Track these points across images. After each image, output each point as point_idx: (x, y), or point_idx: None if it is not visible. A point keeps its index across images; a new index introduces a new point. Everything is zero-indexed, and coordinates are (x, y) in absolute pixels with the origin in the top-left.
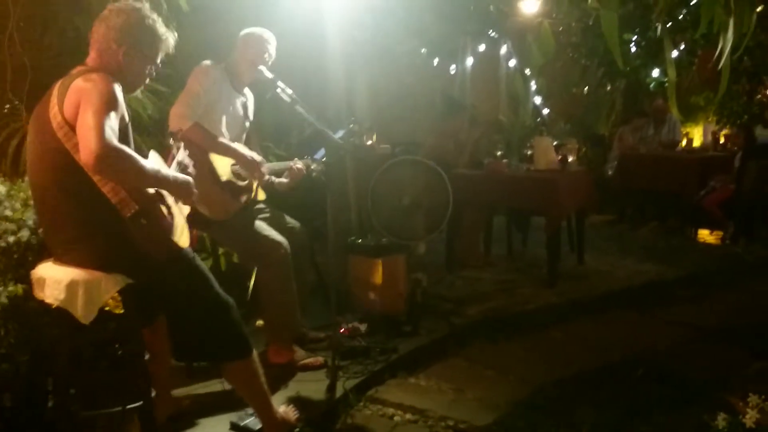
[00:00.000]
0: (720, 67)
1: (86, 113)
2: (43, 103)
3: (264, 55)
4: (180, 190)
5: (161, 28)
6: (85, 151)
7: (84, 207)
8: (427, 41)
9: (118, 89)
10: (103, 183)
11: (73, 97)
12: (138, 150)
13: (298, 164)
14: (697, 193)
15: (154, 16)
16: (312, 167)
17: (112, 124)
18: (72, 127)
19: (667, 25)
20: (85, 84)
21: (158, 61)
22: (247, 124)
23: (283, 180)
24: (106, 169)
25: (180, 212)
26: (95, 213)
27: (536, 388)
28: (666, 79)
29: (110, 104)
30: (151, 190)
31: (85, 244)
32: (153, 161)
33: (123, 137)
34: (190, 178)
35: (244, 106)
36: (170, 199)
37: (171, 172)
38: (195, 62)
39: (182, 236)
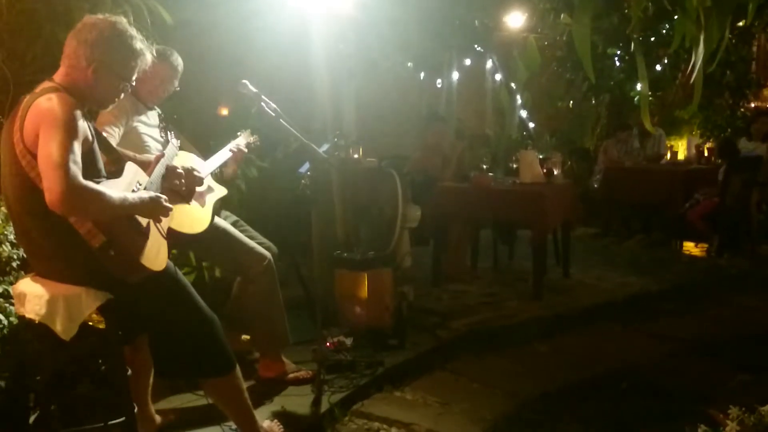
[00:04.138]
0: (692, 81)
1: (48, 145)
2: (11, 121)
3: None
4: (152, 211)
5: (138, 44)
6: (50, 193)
7: (55, 229)
8: (413, 55)
9: (77, 113)
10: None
11: (33, 121)
12: (116, 162)
13: (239, 144)
14: (682, 206)
15: (132, 31)
16: (253, 139)
17: (75, 156)
18: (34, 156)
19: (651, 39)
20: (44, 108)
21: (133, 79)
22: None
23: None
24: (71, 212)
25: (157, 231)
26: (67, 234)
27: (523, 401)
28: (649, 93)
29: (71, 132)
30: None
31: (63, 262)
32: (127, 177)
33: (89, 161)
34: (161, 195)
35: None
36: (144, 220)
37: (140, 194)
38: (182, 77)
39: (158, 257)
